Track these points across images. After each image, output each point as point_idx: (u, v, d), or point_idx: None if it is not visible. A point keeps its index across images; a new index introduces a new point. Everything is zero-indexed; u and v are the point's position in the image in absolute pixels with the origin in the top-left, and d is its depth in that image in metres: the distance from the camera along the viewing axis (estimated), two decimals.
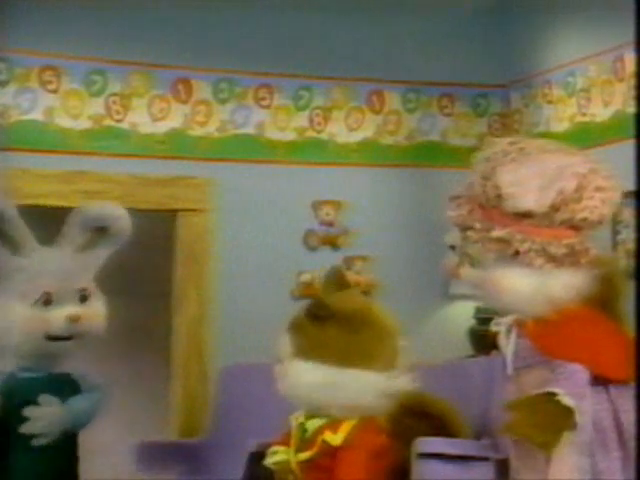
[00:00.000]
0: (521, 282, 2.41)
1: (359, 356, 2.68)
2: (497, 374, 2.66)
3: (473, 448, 2.70)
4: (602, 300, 2.49)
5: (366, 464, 2.63)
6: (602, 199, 2.44)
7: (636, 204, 3.59)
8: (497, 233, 2.40)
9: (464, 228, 2.48)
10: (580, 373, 2.37)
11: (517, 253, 2.39)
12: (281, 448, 2.78)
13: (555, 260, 2.39)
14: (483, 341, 4.10)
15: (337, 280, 2.84)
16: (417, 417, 2.76)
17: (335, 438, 2.60)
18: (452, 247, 2.61)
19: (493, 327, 2.59)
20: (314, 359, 2.65)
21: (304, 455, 2.65)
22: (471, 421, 2.96)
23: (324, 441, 2.61)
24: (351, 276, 4.42)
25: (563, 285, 2.41)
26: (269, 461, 2.79)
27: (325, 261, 4.29)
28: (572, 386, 2.33)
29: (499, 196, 2.41)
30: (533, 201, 2.38)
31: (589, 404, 2.35)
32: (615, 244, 4.01)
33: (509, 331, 2.53)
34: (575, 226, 2.44)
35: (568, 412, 2.28)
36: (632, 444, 2.37)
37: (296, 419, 2.76)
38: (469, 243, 2.47)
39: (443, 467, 2.69)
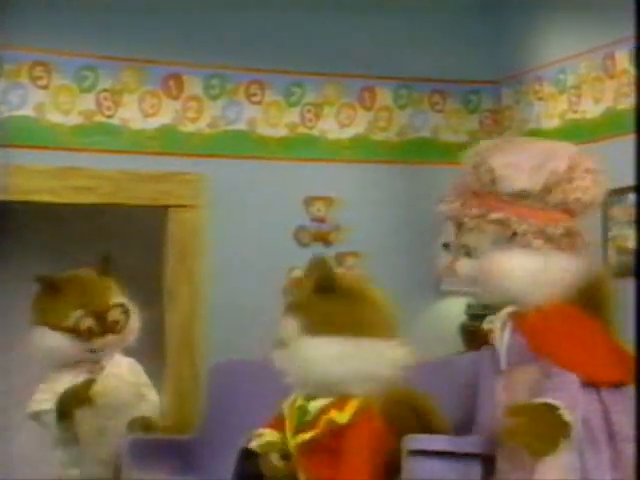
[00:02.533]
0: (520, 264, 2.40)
1: (369, 326, 2.67)
2: (486, 369, 2.66)
3: (464, 445, 2.67)
4: (593, 307, 2.50)
5: (371, 443, 2.62)
6: (593, 180, 2.45)
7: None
8: (494, 215, 2.40)
9: (459, 219, 2.49)
10: (575, 384, 2.38)
11: (514, 234, 2.39)
12: (267, 431, 2.75)
13: (553, 241, 2.40)
14: (474, 337, 4.10)
15: (320, 268, 2.79)
16: (406, 411, 2.76)
17: (342, 416, 2.59)
18: (445, 245, 2.61)
19: (486, 325, 2.59)
20: (327, 333, 2.61)
21: (307, 435, 2.62)
22: (462, 417, 2.96)
23: (330, 420, 2.59)
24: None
25: (561, 268, 2.42)
26: (254, 444, 2.74)
27: None
28: (568, 398, 2.34)
29: (493, 180, 2.42)
30: (526, 180, 2.40)
31: (580, 412, 2.36)
32: (606, 241, 4.02)
33: (504, 326, 2.52)
34: (568, 210, 2.45)
35: (567, 427, 2.30)
36: (624, 445, 2.40)
37: (294, 402, 2.71)
38: (465, 232, 2.46)
39: (433, 464, 2.67)
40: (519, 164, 2.41)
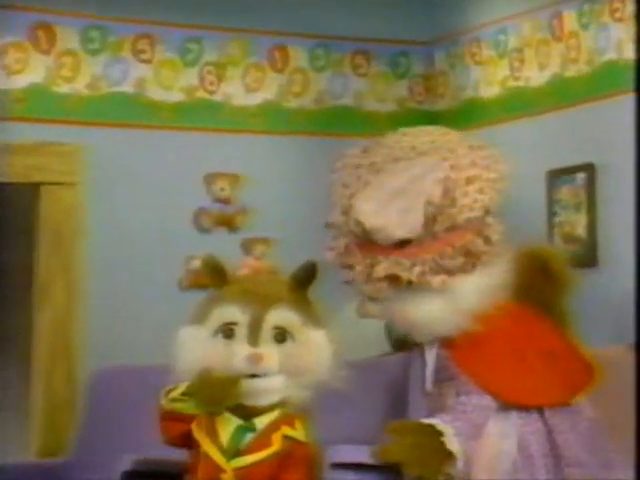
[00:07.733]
0: (428, 308, 2.35)
1: None
2: (415, 373, 2.58)
3: None
4: (538, 296, 2.41)
5: None
6: (478, 189, 2.33)
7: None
8: (381, 271, 2.31)
9: (347, 267, 2.41)
10: (488, 409, 2.33)
11: (410, 282, 2.32)
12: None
13: (454, 272, 2.33)
14: (400, 339, 3.82)
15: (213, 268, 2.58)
16: None
17: (298, 433, 2.50)
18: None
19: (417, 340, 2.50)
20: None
21: (262, 454, 2.46)
22: (387, 422, 2.82)
23: (288, 437, 2.48)
24: (251, 262, 4.13)
25: (472, 292, 2.35)
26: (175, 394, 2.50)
27: (220, 244, 4.03)
28: (468, 424, 2.30)
29: (365, 232, 2.34)
30: (402, 229, 2.31)
31: (490, 440, 2.31)
32: (551, 227, 3.92)
33: (432, 343, 2.47)
34: (463, 227, 2.35)
35: (451, 456, 2.27)
36: (572, 470, 2.34)
37: (229, 423, 2.51)
38: (358, 283, 2.40)
39: (354, 476, 2.55)
40: (387, 211, 2.32)
